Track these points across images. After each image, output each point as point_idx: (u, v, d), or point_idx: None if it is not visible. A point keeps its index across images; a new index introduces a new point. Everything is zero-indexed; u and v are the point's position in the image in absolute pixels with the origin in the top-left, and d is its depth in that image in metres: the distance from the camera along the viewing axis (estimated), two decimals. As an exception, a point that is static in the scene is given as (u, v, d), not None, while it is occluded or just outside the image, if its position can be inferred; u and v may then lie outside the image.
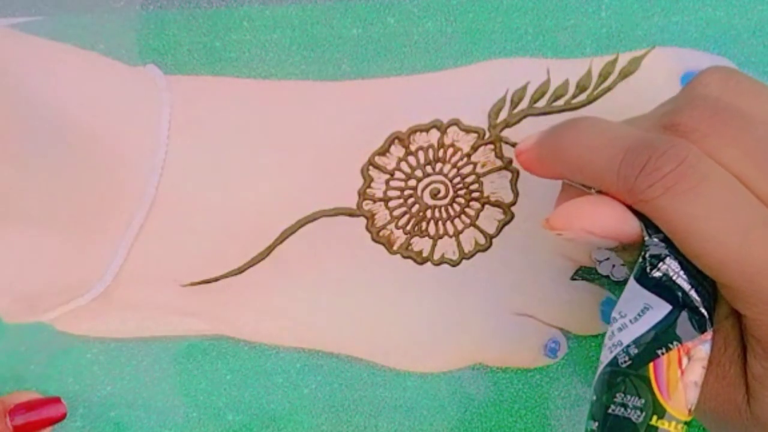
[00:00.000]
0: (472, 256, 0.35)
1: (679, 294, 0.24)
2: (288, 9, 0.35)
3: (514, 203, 0.35)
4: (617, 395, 0.25)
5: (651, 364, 0.24)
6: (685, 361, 0.24)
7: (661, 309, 0.25)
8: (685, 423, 0.24)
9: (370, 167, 0.35)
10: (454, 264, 0.35)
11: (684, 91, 0.27)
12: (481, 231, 0.35)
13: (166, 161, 0.34)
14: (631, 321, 0.25)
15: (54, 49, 0.34)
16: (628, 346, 0.25)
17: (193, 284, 0.35)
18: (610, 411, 0.25)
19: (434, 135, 0.35)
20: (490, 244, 0.35)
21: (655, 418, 0.24)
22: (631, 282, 0.25)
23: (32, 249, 0.34)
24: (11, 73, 0.31)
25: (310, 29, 0.35)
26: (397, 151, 0.35)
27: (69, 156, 0.32)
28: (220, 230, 0.35)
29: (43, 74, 0.33)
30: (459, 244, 0.35)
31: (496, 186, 0.35)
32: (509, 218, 0.35)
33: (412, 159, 0.35)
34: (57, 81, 0.33)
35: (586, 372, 0.35)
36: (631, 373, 0.25)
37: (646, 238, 0.25)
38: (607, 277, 0.34)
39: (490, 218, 0.35)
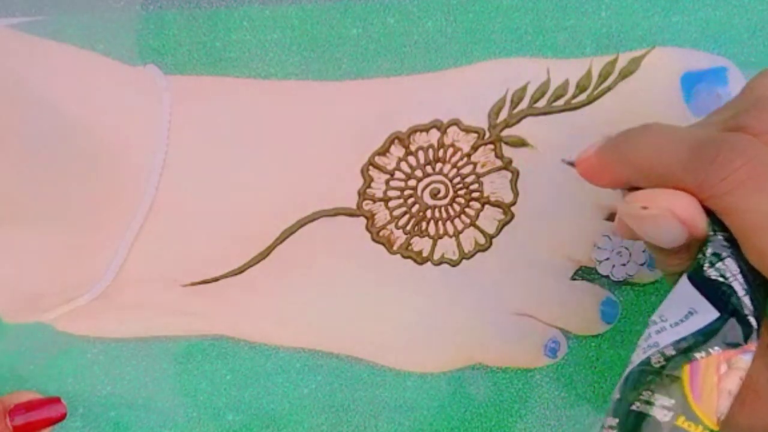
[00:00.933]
0: (472, 256, 0.35)
1: (731, 299, 0.24)
2: (288, 9, 0.35)
3: (514, 203, 0.35)
4: (644, 393, 0.24)
5: (687, 366, 0.24)
6: (723, 368, 0.24)
7: (706, 315, 0.24)
8: (711, 431, 0.24)
9: (370, 167, 0.35)
10: (454, 264, 0.35)
11: (744, 95, 0.26)
12: (481, 231, 0.35)
13: (166, 161, 0.34)
14: (671, 325, 0.25)
15: (54, 49, 0.34)
16: (665, 347, 0.24)
17: (193, 284, 0.35)
18: (633, 408, 0.24)
19: (434, 135, 0.35)
20: (490, 244, 0.35)
21: (682, 419, 0.23)
22: (682, 281, 0.25)
23: (32, 249, 0.34)
24: (11, 73, 0.31)
25: (310, 29, 0.35)
26: (397, 151, 0.35)
27: (69, 156, 0.32)
28: (220, 230, 0.35)
29: (43, 74, 0.33)
30: (459, 244, 0.35)
31: (496, 186, 0.35)
32: (509, 218, 0.34)
33: (412, 159, 0.35)
34: (57, 81, 0.33)
35: (586, 372, 0.35)
36: (663, 373, 0.24)
37: (710, 233, 0.24)
38: (607, 277, 0.34)
39: (490, 218, 0.35)
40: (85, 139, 0.33)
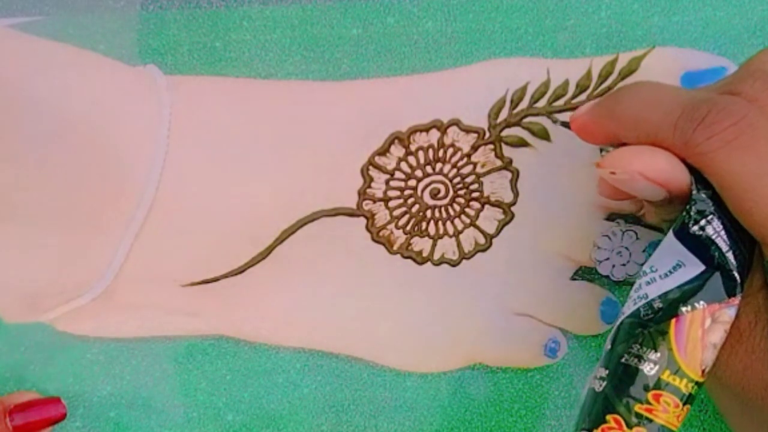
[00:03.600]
0: (472, 256, 0.35)
1: (716, 254, 0.24)
2: (288, 9, 0.35)
3: (514, 203, 0.35)
4: (633, 346, 0.25)
5: (673, 321, 0.24)
6: (708, 322, 0.24)
7: (693, 268, 0.25)
8: (697, 383, 0.25)
9: (370, 167, 0.35)
10: (454, 264, 0.35)
11: (742, 67, 0.27)
12: (481, 231, 0.35)
13: (166, 161, 0.34)
14: (660, 276, 0.25)
15: (54, 49, 0.34)
16: (653, 300, 0.25)
17: (193, 284, 0.35)
18: (623, 360, 0.25)
19: (434, 135, 0.35)
20: (490, 244, 0.35)
21: (667, 372, 0.24)
22: (669, 236, 0.25)
23: (32, 249, 0.34)
24: (11, 73, 0.31)
25: (310, 29, 0.35)
26: (397, 151, 0.35)
27: (69, 156, 0.32)
28: (220, 230, 0.35)
29: (43, 74, 0.33)
30: (459, 244, 0.35)
31: (496, 186, 0.35)
32: (509, 218, 0.34)
33: (412, 159, 0.35)
34: (57, 81, 0.33)
35: (586, 372, 0.35)
36: (651, 327, 0.25)
37: (694, 192, 0.25)
38: (607, 277, 0.34)
39: (490, 218, 0.35)
40: (85, 139, 0.33)
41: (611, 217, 0.35)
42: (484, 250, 0.35)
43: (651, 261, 0.26)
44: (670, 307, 0.25)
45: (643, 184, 0.26)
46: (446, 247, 0.35)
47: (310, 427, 0.35)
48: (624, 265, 0.34)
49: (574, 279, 0.35)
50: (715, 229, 0.25)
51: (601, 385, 0.25)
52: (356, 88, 0.35)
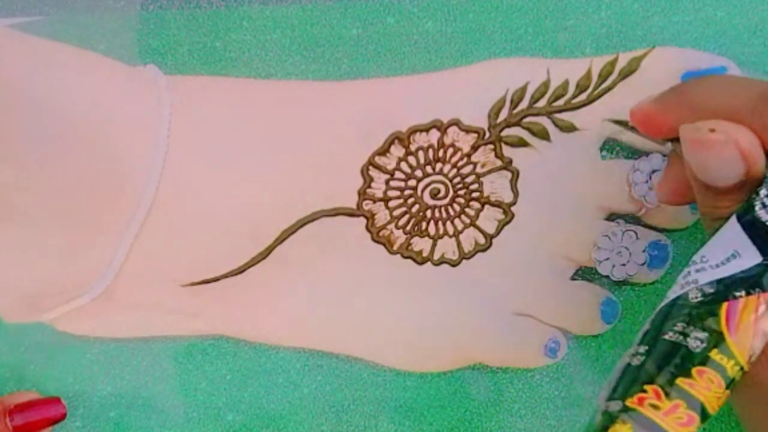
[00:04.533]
0: (472, 256, 0.35)
1: None
2: (288, 9, 0.35)
3: (514, 203, 0.35)
4: (678, 324, 0.24)
5: (726, 303, 0.24)
6: (762, 308, 0.24)
7: (750, 259, 0.24)
8: (741, 368, 0.24)
9: (370, 167, 0.35)
10: (454, 264, 0.35)
11: None
12: (481, 231, 0.35)
13: (166, 161, 0.34)
14: (712, 266, 0.25)
15: (54, 49, 0.34)
16: (704, 285, 0.25)
17: (193, 284, 0.35)
18: (666, 337, 0.24)
19: (434, 135, 0.35)
20: (490, 244, 0.35)
21: (715, 351, 0.24)
22: (731, 222, 0.25)
23: (32, 249, 0.34)
24: (11, 73, 0.31)
25: (310, 29, 0.35)
26: (397, 151, 0.35)
27: (69, 156, 0.32)
28: (220, 230, 0.35)
29: (43, 74, 0.33)
30: (459, 244, 0.35)
31: (496, 186, 0.35)
32: (509, 218, 0.34)
33: (412, 159, 0.35)
34: (57, 81, 0.33)
35: (586, 372, 0.35)
36: (701, 308, 0.24)
37: (767, 176, 0.25)
38: (607, 277, 0.34)
39: (490, 218, 0.35)
40: (85, 139, 0.33)
41: (611, 217, 0.35)
42: (484, 250, 0.35)
43: (702, 252, 0.26)
44: (724, 291, 0.24)
45: (732, 155, 0.25)
46: (446, 247, 0.35)
47: (310, 427, 0.35)
48: (624, 265, 0.34)
49: (574, 279, 0.35)
50: None
51: (638, 360, 0.24)
52: (356, 88, 0.35)
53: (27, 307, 0.35)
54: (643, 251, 0.34)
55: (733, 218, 0.25)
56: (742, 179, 0.26)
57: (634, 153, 0.34)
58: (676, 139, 0.28)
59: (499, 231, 0.35)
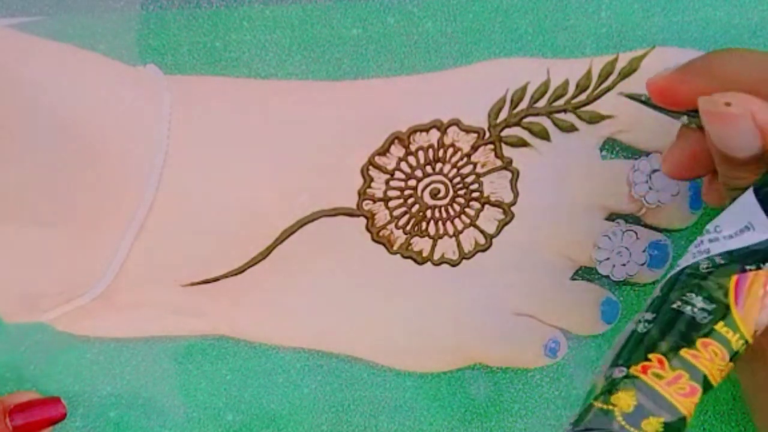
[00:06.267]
0: (472, 256, 0.35)
1: None
2: (288, 9, 0.35)
3: (514, 203, 0.35)
4: (688, 294, 0.24)
5: (735, 276, 0.24)
6: None
7: (763, 232, 0.24)
8: (746, 342, 0.24)
9: (370, 167, 0.35)
10: (454, 264, 0.35)
11: None
12: (481, 231, 0.35)
13: (166, 161, 0.34)
14: (725, 237, 0.25)
15: (54, 49, 0.34)
16: (715, 255, 0.25)
17: (193, 284, 0.35)
18: (674, 306, 0.24)
19: (434, 135, 0.35)
20: (490, 244, 0.35)
21: (721, 323, 0.24)
22: (747, 194, 0.25)
23: (32, 249, 0.34)
24: (11, 73, 0.31)
25: (310, 29, 0.35)
26: (397, 151, 0.35)
27: (69, 156, 0.32)
28: (220, 230, 0.35)
29: (43, 74, 0.33)
30: (459, 244, 0.35)
31: (496, 186, 0.35)
32: (509, 218, 0.34)
33: (412, 159, 0.35)
34: (57, 81, 0.33)
35: (586, 372, 0.35)
36: (710, 278, 0.24)
37: None
38: (607, 277, 0.34)
39: (490, 218, 0.35)
40: (85, 139, 0.33)
41: (611, 217, 0.35)
42: (484, 250, 0.35)
43: (716, 221, 0.26)
44: (734, 263, 0.24)
45: (748, 127, 0.25)
46: (446, 247, 0.35)
47: (310, 427, 0.35)
48: (624, 265, 0.34)
49: (574, 279, 0.35)
50: None
51: (645, 327, 0.25)
52: (356, 88, 0.35)
53: (27, 307, 0.35)
54: (643, 251, 0.34)
55: (750, 190, 0.25)
56: (759, 152, 0.26)
57: (634, 153, 0.34)
58: (691, 112, 0.28)
59: (499, 231, 0.35)
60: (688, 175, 0.30)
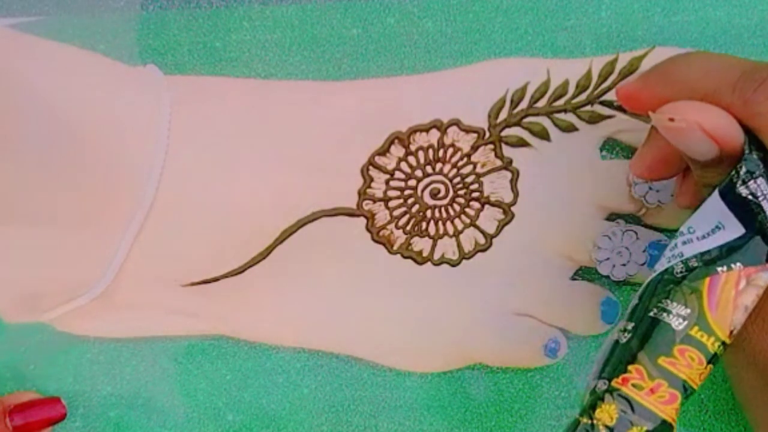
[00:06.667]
0: (472, 256, 0.35)
1: (759, 217, 0.25)
2: (288, 9, 0.35)
3: (514, 203, 0.35)
4: (663, 301, 0.25)
5: (707, 279, 0.25)
6: (743, 283, 0.24)
7: (733, 231, 0.25)
8: (723, 344, 0.24)
9: (370, 167, 0.35)
10: (454, 264, 0.35)
11: None
12: (481, 231, 0.35)
13: (166, 161, 0.34)
14: (698, 238, 0.25)
15: (54, 49, 0.34)
16: (689, 258, 0.25)
17: (193, 284, 0.35)
18: (651, 314, 0.25)
19: (434, 135, 0.35)
20: (490, 244, 0.35)
21: (696, 328, 0.24)
22: (714, 196, 0.25)
23: (32, 249, 0.34)
24: (11, 73, 0.31)
25: (310, 29, 0.35)
26: (397, 151, 0.35)
27: (69, 156, 0.32)
28: (220, 230, 0.35)
29: (43, 74, 0.33)
30: (459, 244, 0.35)
31: (496, 186, 0.35)
32: (509, 218, 0.35)
33: (412, 159, 0.35)
34: (57, 81, 0.33)
35: (586, 372, 0.35)
36: (684, 283, 0.25)
37: (746, 152, 0.25)
38: (607, 277, 0.34)
39: (490, 218, 0.35)
40: (85, 139, 0.33)
41: (611, 217, 0.35)
42: (484, 250, 0.35)
43: (689, 222, 0.26)
44: (707, 266, 0.25)
45: (698, 136, 0.26)
46: (446, 247, 0.35)
47: (310, 427, 0.35)
48: (624, 265, 0.34)
49: (574, 279, 0.35)
50: (762, 192, 0.25)
51: (625, 337, 0.25)
52: (356, 88, 0.35)
53: (27, 307, 0.35)
54: (643, 251, 0.34)
55: (716, 192, 0.26)
56: (718, 155, 0.26)
57: (633, 153, 0.34)
58: None
59: (499, 231, 0.35)
60: (657, 176, 0.30)
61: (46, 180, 0.32)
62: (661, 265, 0.26)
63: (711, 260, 0.25)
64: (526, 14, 0.35)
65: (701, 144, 0.26)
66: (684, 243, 0.26)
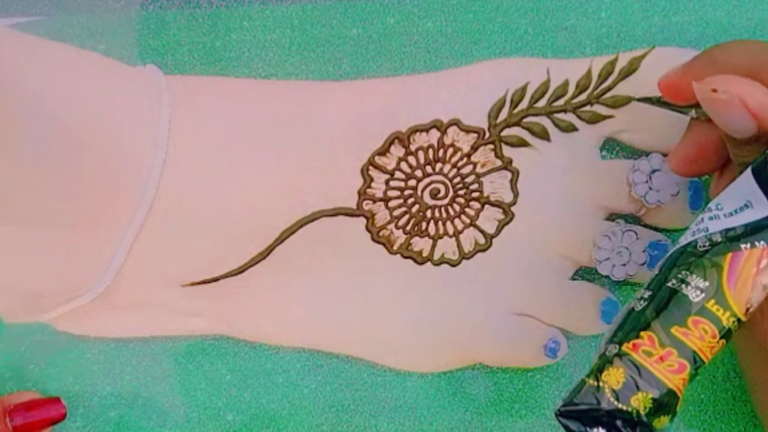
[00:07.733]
0: (472, 256, 0.35)
1: None
2: (288, 9, 0.35)
3: (514, 203, 0.35)
4: (683, 272, 0.25)
5: (729, 255, 0.25)
6: (764, 262, 0.25)
7: (761, 210, 0.25)
8: (738, 320, 0.25)
9: (370, 167, 0.35)
10: (454, 264, 0.35)
11: None
12: (481, 231, 0.35)
13: (166, 161, 0.34)
14: (725, 215, 0.26)
15: (54, 49, 0.34)
16: (713, 233, 0.25)
17: (193, 284, 0.35)
18: (669, 284, 0.25)
19: (434, 135, 0.35)
20: (490, 244, 0.35)
21: (713, 302, 0.24)
22: (746, 173, 0.26)
23: (32, 249, 0.34)
24: (11, 73, 0.31)
25: (310, 29, 0.35)
26: (397, 151, 0.35)
27: (69, 156, 0.32)
28: (220, 230, 0.35)
29: (43, 74, 0.33)
30: (459, 244, 0.35)
31: (496, 186, 0.35)
32: (509, 218, 0.34)
33: (412, 159, 0.35)
34: (57, 81, 0.33)
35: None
36: (706, 257, 0.25)
37: None
38: (607, 277, 0.34)
39: (490, 218, 0.35)
40: (84, 139, 0.33)
41: (611, 217, 0.35)
42: (484, 250, 0.35)
43: (718, 199, 0.26)
44: (730, 242, 0.25)
45: (739, 112, 0.26)
46: (446, 247, 0.35)
47: (310, 427, 0.35)
48: (624, 265, 0.34)
49: (574, 279, 0.35)
50: None
51: (641, 305, 0.25)
52: (356, 88, 0.35)
53: (27, 307, 0.35)
54: (643, 251, 0.34)
55: (749, 170, 0.26)
56: (756, 132, 0.26)
57: (634, 153, 0.34)
58: (698, 105, 0.28)
59: (499, 231, 0.35)
60: (694, 171, 0.30)
61: (47, 180, 0.32)
62: (685, 239, 0.26)
63: (735, 237, 0.25)
64: (526, 14, 0.35)
65: (740, 119, 0.26)
66: (711, 219, 0.26)
